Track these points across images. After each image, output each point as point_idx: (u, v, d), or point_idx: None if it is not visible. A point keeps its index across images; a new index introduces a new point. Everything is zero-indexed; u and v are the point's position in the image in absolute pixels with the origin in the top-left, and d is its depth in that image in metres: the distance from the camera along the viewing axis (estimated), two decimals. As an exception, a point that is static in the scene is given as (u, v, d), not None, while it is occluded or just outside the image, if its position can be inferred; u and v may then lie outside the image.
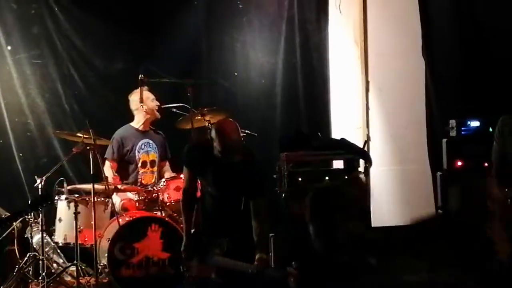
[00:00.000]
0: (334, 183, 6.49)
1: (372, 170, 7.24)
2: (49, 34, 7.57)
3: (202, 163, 5.24)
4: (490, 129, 6.02)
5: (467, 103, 7.23)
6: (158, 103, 6.97)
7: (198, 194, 5.53)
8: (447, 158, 6.69)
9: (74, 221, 6.21)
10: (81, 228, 6.29)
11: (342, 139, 7.22)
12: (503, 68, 6.94)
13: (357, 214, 3.20)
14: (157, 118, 7.03)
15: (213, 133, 5.17)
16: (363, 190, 6.58)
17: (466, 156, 6.60)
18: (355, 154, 6.96)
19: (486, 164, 5.55)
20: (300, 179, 6.64)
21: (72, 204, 6.32)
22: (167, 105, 6.94)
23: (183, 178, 5.65)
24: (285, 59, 8.27)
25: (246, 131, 6.94)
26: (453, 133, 6.73)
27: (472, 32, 7.39)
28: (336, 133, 8.11)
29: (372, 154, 7.74)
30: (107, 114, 7.46)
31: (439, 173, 6.78)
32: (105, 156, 6.82)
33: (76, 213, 6.22)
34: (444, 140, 6.75)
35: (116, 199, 6.65)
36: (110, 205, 6.49)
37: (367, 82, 8.35)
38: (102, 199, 6.48)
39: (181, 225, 6.18)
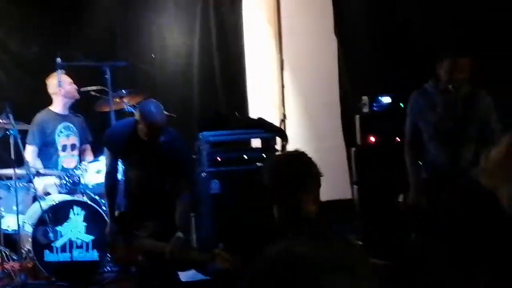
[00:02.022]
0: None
1: (288, 147, 7.39)
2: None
3: (125, 145, 5.30)
4: (401, 105, 6.19)
5: (379, 79, 7.43)
6: (76, 87, 6.98)
7: None
8: (360, 134, 6.88)
9: (-4, 207, 6.21)
10: (4, 213, 6.29)
11: (259, 118, 7.36)
12: (411, 45, 7.18)
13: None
14: (77, 99, 7.02)
15: (137, 115, 5.23)
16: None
17: (378, 132, 6.78)
18: (272, 132, 7.11)
19: (398, 139, 5.67)
20: (219, 158, 6.74)
21: (-7, 190, 6.31)
22: (85, 88, 6.96)
23: (105, 161, 5.71)
24: (201, 40, 8.33)
25: (165, 113, 7.01)
26: (365, 110, 6.89)
27: (381, 10, 7.63)
28: (253, 112, 8.23)
29: (289, 132, 7.92)
30: (25, 99, 7.36)
31: (353, 149, 6.97)
32: (26, 142, 6.78)
33: (-2, 199, 6.22)
34: (357, 116, 6.92)
35: (38, 183, 6.63)
36: (32, 189, 6.49)
37: (282, 61, 8.51)
38: (24, 184, 6.48)
39: (103, 208, 6.28)
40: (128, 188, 5.54)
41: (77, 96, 6.97)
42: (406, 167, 5.54)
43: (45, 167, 6.79)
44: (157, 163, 5.31)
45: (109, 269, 6.43)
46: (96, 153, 6.97)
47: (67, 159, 6.95)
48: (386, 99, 6.73)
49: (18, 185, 6.27)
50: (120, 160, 5.57)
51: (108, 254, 6.22)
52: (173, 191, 5.36)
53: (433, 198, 5.36)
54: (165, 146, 5.25)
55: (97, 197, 6.58)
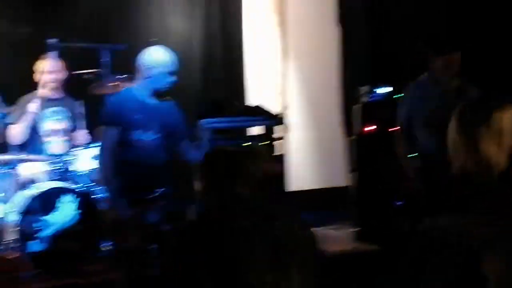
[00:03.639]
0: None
1: (289, 136, 7.33)
2: None
3: (129, 112, 5.09)
4: (398, 95, 6.19)
5: (378, 70, 7.43)
6: (55, 76, 6.64)
7: None
8: (359, 123, 6.89)
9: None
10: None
11: (257, 106, 7.24)
12: (410, 36, 7.17)
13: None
14: (67, 82, 6.75)
15: (142, 66, 5.15)
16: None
17: (376, 121, 6.79)
18: (272, 120, 6.99)
19: (394, 129, 5.72)
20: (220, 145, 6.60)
21: (-25, 177, 6.12)
22: (80, 71, 6.77)
23: (101, 142, 5.39)
24: (202, 25, 8.23)
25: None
26: (364, 99, 6.91)
27: (381, 2, 7.61)
28: (254, 100, 8.11)
29: (289, 120, 7.82)
30: (13, 80, 7.08)
31: (351, 138, 6.97)
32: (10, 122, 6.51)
33: (-19, 186, 6.02)
34: (356, 106, 6.91)
35: (24, 169, 6.35)
36: (17, 176, 6.24)
37: (285, 50, 8.43)
38: (9, 170, 6.23)
39: (96, 196, 6.07)
40: (130, 161, 5.18)
41: (51, 87, 6.64)
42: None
43: (31, 152, 6.51)
44: (162, 125, 5.19)
45: (97, 259, 6.22)
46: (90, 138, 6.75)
47: (56, 145, 6.65)
48: (385, 89, 6.79)
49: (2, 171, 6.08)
50: (121, 134, 5.22)
51: (108, 243, 5.94)
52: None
53: (426, 187, 5.43)
54: (166, 108, 5.19)
55: (89, 184, 6.35)
